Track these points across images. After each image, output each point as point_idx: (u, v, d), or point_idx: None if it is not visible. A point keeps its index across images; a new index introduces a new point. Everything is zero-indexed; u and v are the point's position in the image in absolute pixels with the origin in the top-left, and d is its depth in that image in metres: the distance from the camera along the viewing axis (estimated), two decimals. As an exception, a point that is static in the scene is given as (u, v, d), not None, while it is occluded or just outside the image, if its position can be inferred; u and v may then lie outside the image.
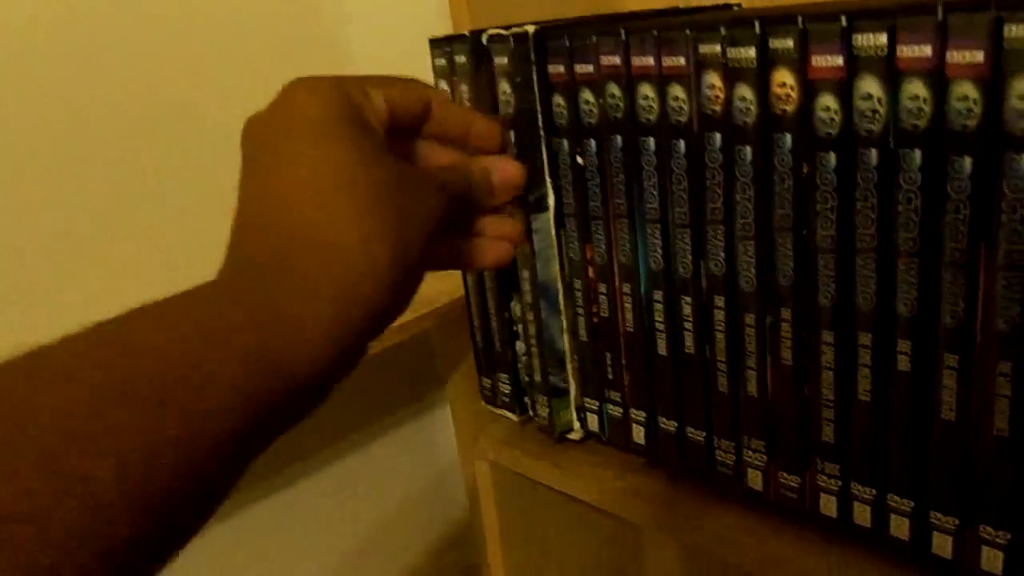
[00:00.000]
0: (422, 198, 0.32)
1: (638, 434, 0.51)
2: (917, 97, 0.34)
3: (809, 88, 0.37)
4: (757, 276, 0.42)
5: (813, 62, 0.37)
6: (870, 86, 0.35)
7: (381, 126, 0.33)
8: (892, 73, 0.35)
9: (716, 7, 0.54)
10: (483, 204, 0.39)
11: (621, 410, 0.52)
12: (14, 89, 0.62)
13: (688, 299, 0.46)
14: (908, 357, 0.38)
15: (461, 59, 0.50)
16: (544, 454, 0.55)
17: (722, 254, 0.43)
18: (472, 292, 0.57)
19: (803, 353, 0.42)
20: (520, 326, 0.55)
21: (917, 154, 0.35)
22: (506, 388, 0.58)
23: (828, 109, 0.37)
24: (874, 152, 0.36)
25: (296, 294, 0.26)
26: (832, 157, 0.37)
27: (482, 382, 0.60)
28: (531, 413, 0.57)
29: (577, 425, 0.55)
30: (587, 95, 0.46)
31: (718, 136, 0.41)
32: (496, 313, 0.56)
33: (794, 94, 0.38)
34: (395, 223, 0.29)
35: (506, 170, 0.39)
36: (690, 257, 0.45)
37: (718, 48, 0.40)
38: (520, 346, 0.56)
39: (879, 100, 0.35)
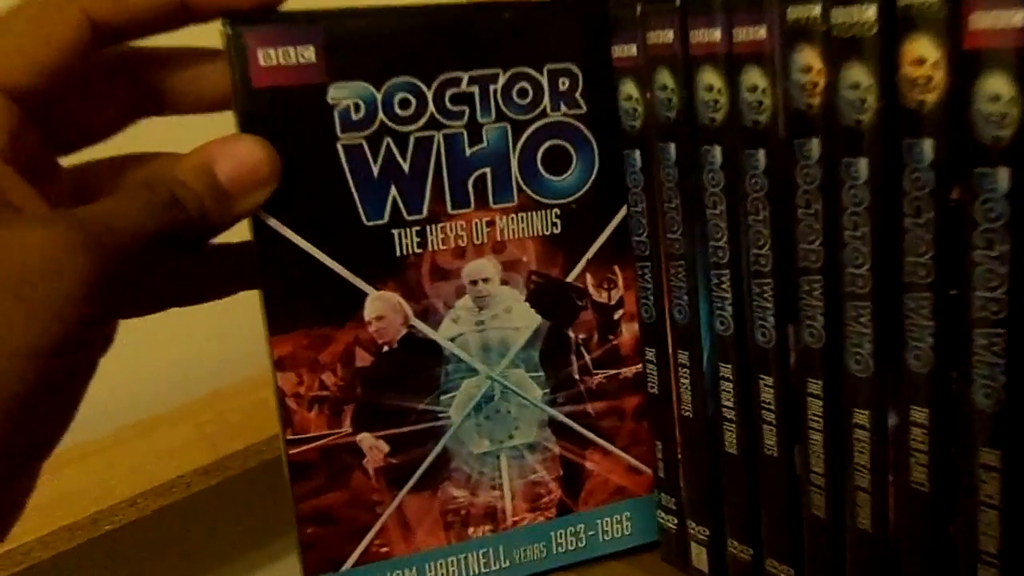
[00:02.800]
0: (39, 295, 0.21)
1: (699, 556, 0.37)
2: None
3: (963, 64, 0.23)
4: (875, 354, 0.28)
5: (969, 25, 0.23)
6: None
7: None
8: None
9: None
10: (218, 222, 0.25)
11: (676, 521, 0.38)
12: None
13: (769, 379, 0.32)
14: None
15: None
16: (573, 567, 0.42)
17: (820, 318, 0.29)
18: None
19: (946, 473, 0.27)
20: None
21: None
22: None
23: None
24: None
25: None
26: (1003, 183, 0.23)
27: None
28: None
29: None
30: (629, 88, 0.33)
31: (815, 142, 0.27)
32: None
33: (937, 77, 0.24)
34: None
35: (242, 154, 0.25)
36: (772, 319, 0.31)
37: (817, 11, 0.26)
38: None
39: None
